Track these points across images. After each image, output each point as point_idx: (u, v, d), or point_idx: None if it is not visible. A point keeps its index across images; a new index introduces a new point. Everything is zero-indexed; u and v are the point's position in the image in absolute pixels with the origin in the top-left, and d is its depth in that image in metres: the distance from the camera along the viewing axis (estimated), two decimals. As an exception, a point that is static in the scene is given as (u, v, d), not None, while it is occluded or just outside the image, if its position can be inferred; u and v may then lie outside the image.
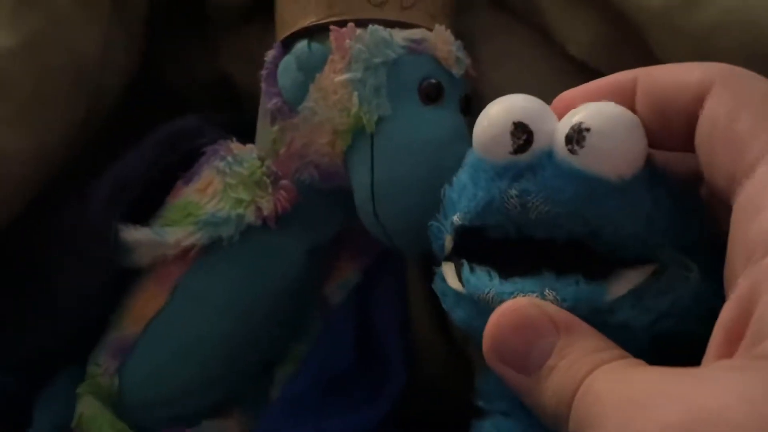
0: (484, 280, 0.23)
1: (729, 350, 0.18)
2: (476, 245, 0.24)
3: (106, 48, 0.33)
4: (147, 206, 0.31)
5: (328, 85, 0.28)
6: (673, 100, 0.21)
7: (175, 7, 0.37)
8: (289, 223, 0.31)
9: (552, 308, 0.21)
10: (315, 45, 0.29)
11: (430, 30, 0.29)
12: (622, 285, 0.22)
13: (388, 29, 0.29)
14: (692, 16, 0.26)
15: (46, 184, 0.32)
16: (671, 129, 0.22)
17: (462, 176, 0.24)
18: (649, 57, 0.28)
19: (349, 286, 0.34)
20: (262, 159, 0.31)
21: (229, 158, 0.31)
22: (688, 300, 0.22)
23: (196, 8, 0.37)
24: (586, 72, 0.30)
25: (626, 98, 0.23)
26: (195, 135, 0.32)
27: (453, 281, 0.24)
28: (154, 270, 0.31)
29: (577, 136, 0.21)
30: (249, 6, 0.37)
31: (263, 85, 0.31)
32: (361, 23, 0.29)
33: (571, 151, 0.21)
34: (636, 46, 0.28)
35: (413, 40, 0.29)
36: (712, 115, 0.20)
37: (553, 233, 0.23)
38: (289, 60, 0.30)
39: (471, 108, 0.30)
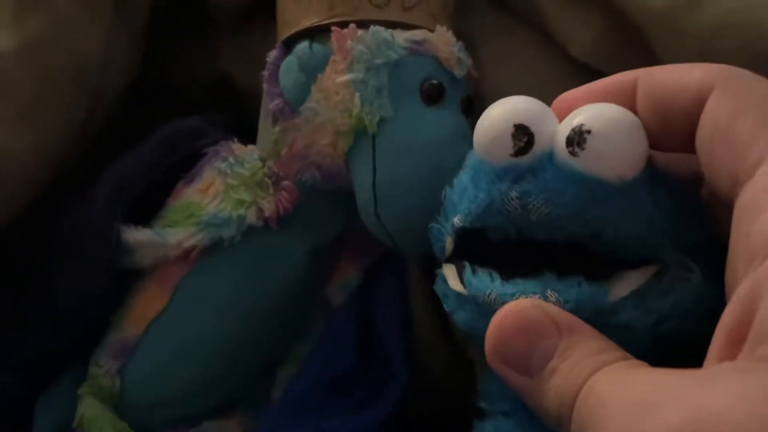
0: (486, 282, 0.23)
1: (731, 352, 0.18)
2: (476, 247, 0.24)
3: (107, 48, 0.33)
4: (148, 207, 0.31)
5: (330, 86, 0.28)
6: (673, 100, 0.21)
7: (176, 7, 0.37)
8: (291, 224, 0.31)
9: (554, 309, 0.21)
10: (316, 46, 0.29)
11: (432, 31, 0.29)
12: (624, 286, 0.22)
13: (390, 30, 0.29)
14: (694, 16, 0.26)
15: (47, 185, 0.32)
16: (672, 130, 0.22)
17: (463, 178, 0.24)
18: (650, 58, 0.28)
19: (351, 287, 0.34)
20: (263, 160, 0.31)
21: (231, 159, 0.31)
22: (690, 301, 0.22)
23: (196, 8, 0.37)
24: (587, 73, 0.30)
25: (627, 99, 0.23)
26: (196, 136, 0.32)
27: (454, 283, 0.24)
28: (156, 271, 0.31)
29: (578, 139, 0.21)
30: (250, 6, 0.37)
31: (265, 86, 0.31)
32: (363, 24, 0.29)
33: (572, 154, 0.21)
34: (637, 47, 0.28)
35: (415, 41, 0.29)
36: (713, 116, 0.20)
37: (554, 235, 0.23)
38: (290, 60, 0.30)
39: (473, 109, 0.30)
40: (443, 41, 0.29)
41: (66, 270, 0.31)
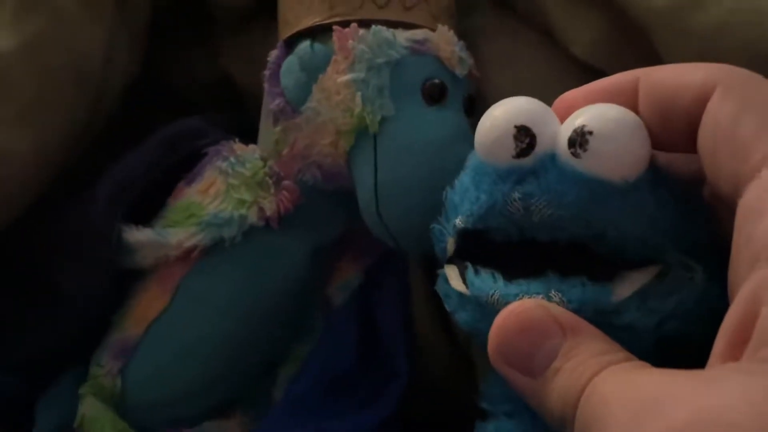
0: (489, 282, 0.23)
1: (734, 353, 0.18)
2: (478, 248, 0.24)
3: (108, 48, 0.33)
4: (149, 207, 0.31)
5: (331, 86, 0.28)
6: (675, 101, 0.21)
7: (177, 7, 0.37)
8: (292, 223, 0.31)
9: (558, 310, 0.21)
10: (318, 45, 0.29)
11: (433, 30, 0.29)
12: (627, 287, 0.22)
13: (391, 30, 0.29)
14: (697, 16, 0.26)
15: (48, 185, 0.32)
16: (673, 130, 0.22)
17: (464, 179, 0.24)
18: (652, 57, 0.28)
19: (352, 287, 0.34)
20: (264, 159, 0.31)
21: (232, 159, 0.31)
22: (692, 301, 0.22)
23: (197, 8, 0.37)
24: (589, 72, 0.30)
25: (628, 99, 0.22)
26: (196, 136, 0.32)
27: (457, 283, 0.24)
28: (157, 271, 0.31)
29: (580, 140, 0.21)
30: (250, 6, 0.36)
31: (266, 86, 0.31)
32: (364, 24, 0.29)
33: (574, 155, 0.21)
34: (639, 47, 0.28)
35: (416, 41, 0.29)
36: (715, 116, 0.20)
37: (556, 235, 0.23)
38: (292, 60, 0.29)
39: (474, 108, 0.30)
40: (445, 41, 0.29)
41: (66, 270, 0.31)
